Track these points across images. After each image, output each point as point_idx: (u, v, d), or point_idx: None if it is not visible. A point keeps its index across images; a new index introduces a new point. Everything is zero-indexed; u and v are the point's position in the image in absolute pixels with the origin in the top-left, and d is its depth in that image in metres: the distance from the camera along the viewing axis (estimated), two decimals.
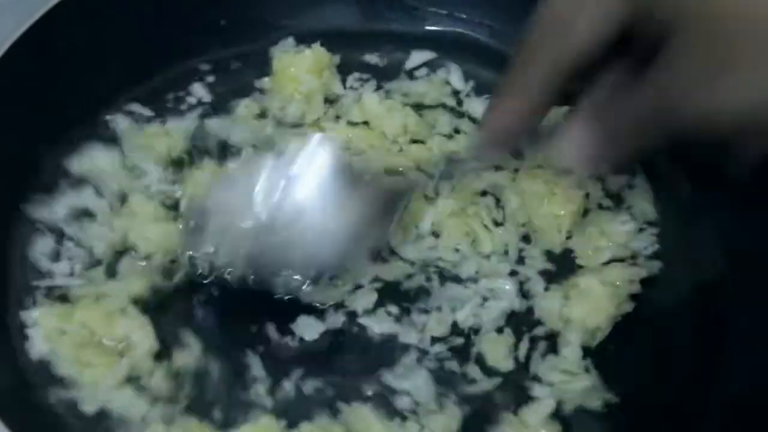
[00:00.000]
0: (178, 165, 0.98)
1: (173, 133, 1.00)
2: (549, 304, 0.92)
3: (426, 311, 0.90)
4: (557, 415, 0.85)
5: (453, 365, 0.87)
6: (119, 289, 0.88)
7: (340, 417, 0.84)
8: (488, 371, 0.87)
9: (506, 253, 0.95)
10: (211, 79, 1.06)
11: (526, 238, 0.96)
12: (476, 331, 0.90)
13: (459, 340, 0.89)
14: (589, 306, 0.90)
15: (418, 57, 1.10)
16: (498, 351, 0.89)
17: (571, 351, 0.89)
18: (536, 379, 0.87)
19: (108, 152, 0.98)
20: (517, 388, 0.87)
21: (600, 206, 0.98)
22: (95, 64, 0.99)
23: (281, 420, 0.83)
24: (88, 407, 0.82)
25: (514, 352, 0.89)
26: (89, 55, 0.98)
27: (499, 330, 0.90)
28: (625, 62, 0.72)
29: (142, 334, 0.85)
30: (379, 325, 0.89)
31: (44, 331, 0.85)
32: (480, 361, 0.88)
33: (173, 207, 0.94)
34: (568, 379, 0.87)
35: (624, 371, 0.88)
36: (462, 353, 0.88)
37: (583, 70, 0.72)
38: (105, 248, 0.91)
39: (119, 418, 0.82)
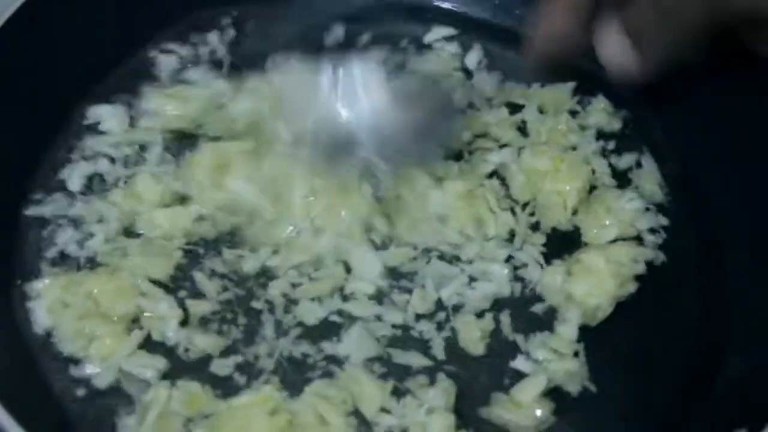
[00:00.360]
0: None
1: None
2: (551, 279, 0.91)
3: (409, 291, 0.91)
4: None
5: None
6: (136, 265, 0.88)
7: (335, 381, 0.84)
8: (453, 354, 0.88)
9: (511, 238, 0.94)
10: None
11: (534, 227, 0.96)
12: (457, 309, 0.90)
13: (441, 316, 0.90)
14: (592, 283, 0.90)
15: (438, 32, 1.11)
16: (471, 334, 0.88)
17: (567, 329, 0.88)
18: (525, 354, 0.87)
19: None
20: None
21: (606, 185, 0.98)
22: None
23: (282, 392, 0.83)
24: (100, 381, 0.83)
25: (487, 339, 0.88)
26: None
27: (480, 314, 0.89)
28: None
29: (165, 307, 0.86)
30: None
31: (47, 302, 0.85)
32: (449, 341, 0.88)
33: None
34: (554, 359, 0.87)
35: (622, 353, 0.88)
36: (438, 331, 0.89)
37: None
38: (117, 225, 0.92)
39: (123, 393, 0.82)
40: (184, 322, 0.86)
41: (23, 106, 0.93)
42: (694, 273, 0.94)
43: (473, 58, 1.09)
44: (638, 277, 0.91)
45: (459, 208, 0.94)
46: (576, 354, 0.87)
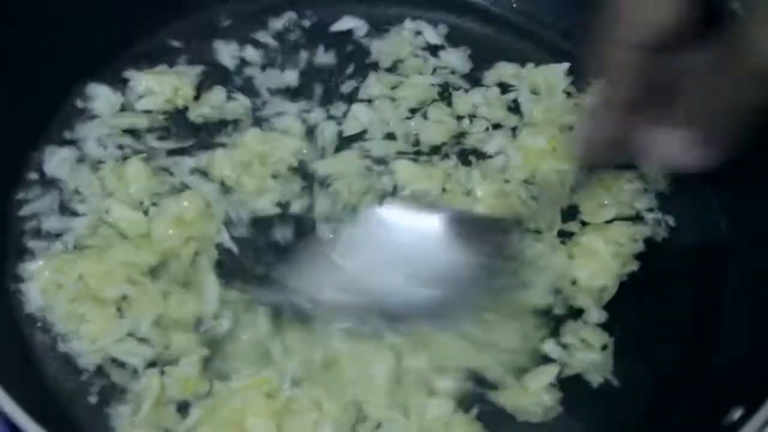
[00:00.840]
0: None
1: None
2: (554, 263, 0.91)
3: None
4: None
5: None
6: (126, 250, 0.87)
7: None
8: None
9: None
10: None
11: None
12: None
13: None
14: (595, 265, 0.90)
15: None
16: None
17: (590, 316, 0.89)
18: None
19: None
20: None
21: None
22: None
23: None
24: (86, 361, 0.82)
25: None
26: None
27: None
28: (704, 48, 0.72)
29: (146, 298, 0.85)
30: None
31: (40, 284, 0.85)
32: None
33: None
34: (582, 348, 0.87)
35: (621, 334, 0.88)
36: None
37: (666, 47, 0.71)
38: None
39: (115, 374, 0.82)
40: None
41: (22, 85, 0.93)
42: (692, 255, 0.94)
43: (436, 34, 1.08)
44: (639, 257, 0.92)
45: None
46: (605, 348, 0.87)
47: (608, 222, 0.94)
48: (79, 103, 0.98)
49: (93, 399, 0.81)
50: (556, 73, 1.03)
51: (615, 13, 0.70)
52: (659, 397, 0.85)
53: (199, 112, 0.98)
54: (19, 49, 0.92)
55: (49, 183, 0.92)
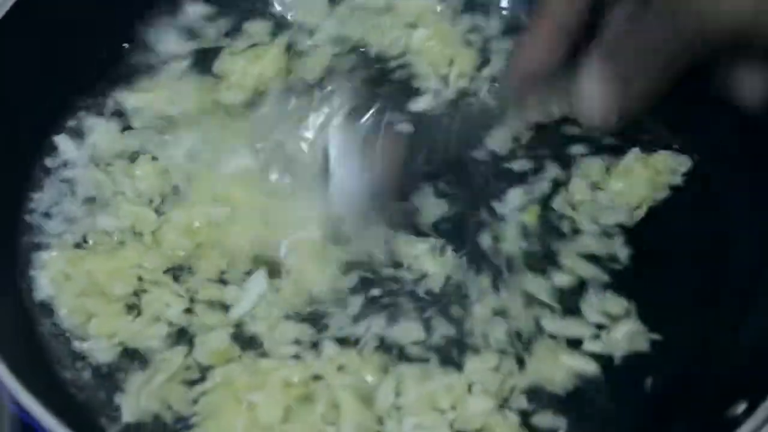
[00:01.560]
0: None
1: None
2: (587, 170, 0.93)
3: None
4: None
5: None
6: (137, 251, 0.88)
7: None
8: None
9: None
10: None
11: None
12: None
13: None
14: (627, 181, 0.92)
15: None
16: None
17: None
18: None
19: None
20: None
21: None
22: None
23: None
24: (100, 356, 0.84)
25: None
26: None
27: None
28: None
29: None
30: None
31: (50, 273, 0.87)
32: None
33: None
34: (610, 324, 0.85)
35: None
36: None
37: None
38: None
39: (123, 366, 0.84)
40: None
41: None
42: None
43: None
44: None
45: None
46: (628, 313, 0.86)
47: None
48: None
49: (99, 383, 0.83)
50: None
51: None
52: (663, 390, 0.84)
53: None
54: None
55: (62, 178, 0.93)
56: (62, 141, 0.95)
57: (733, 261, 0.89)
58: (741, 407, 0.73)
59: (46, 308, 0.86)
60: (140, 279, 0.86)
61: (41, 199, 0.92)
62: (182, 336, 0.84)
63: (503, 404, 0.81)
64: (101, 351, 0.84)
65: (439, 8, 1.04)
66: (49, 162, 0.94)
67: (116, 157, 0.94)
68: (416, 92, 0.99)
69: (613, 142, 0.94)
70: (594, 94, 0.71)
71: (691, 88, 0.74)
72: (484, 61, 1.01)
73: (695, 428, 0.79)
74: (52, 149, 0.95)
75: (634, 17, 0.72)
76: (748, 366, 0.81)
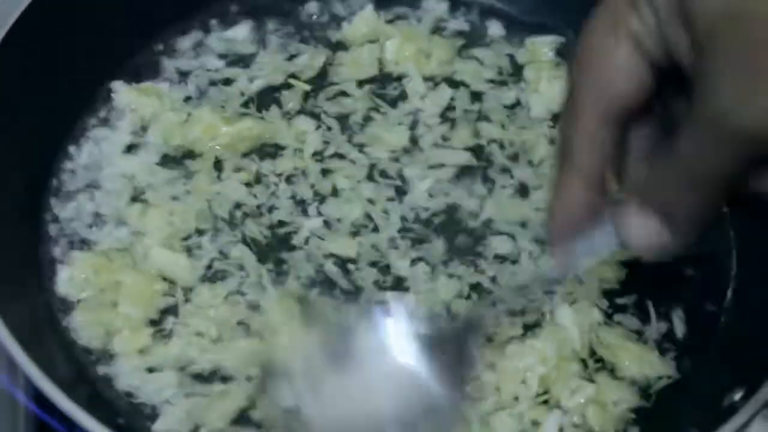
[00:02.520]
0: None
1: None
2: None
3: None
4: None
5: None
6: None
7: None
8: None
9: None
10: None
11: None
12: None
13: None
14: None
15: None
16: None
17: None
18: None
19: None
20: None
21: None
22: None
23: None
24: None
25: None
26: None
27: None
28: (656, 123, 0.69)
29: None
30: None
31: (70, 272, 0.89)
32: None
33: None
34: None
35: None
36: None
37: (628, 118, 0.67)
38: None
39: None
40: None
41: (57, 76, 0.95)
42: None
43: None
44: None
45: None
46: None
47: None
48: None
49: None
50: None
51: (578, 83, 0.67)
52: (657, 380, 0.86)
53: None
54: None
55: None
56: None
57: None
58: (738, 394, 0.76)
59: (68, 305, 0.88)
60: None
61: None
62: None
63: None
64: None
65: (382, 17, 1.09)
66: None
67: None
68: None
69: None
70: (639, 232, 0.65)
71: None
72: None
73: (693, 413, 0.81)
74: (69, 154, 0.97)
75: (659, 147, 0.68)
76: (745, 353, 0.84)
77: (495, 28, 1.09)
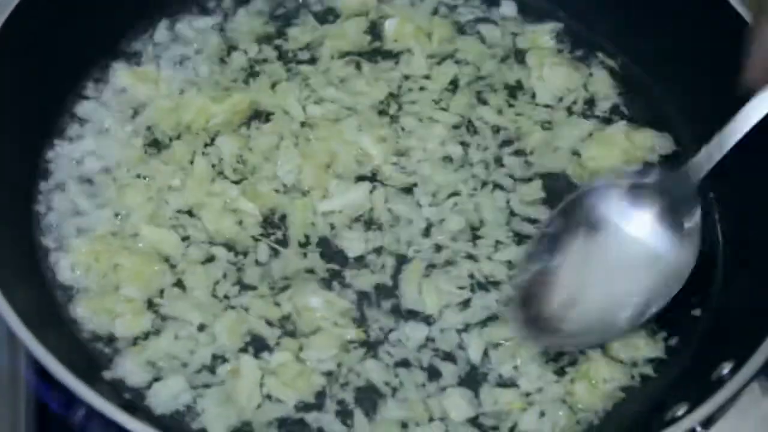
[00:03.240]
0: None
1: None
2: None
3: None
4: None
5: None
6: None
7: None
8: None
9: None
10: None
11: None
12: None
13: None
14: (601, 151, 0.99)
15: None
16: None
17: None
18: None
19: None
20: None
21: None
22: None
23: None
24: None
25: None
26: None
27: None
28: None
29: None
30: None
31: (73, 258, 0.90)
32: None
33: None
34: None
35: None
36: None
37: None
38: None
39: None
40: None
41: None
42: None
43: None
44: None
45: None
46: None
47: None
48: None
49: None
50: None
51: None
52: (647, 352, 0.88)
53: None
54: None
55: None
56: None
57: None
58: (727, 367, 0.78)
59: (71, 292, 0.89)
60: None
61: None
62: None
63: None
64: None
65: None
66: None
67: None
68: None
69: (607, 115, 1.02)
70: None
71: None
72: None
73: (682, 388, 0.83)
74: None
75: None
76: (735, 328, 0.85)
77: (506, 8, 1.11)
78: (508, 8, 1.10)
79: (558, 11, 1.10)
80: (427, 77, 1.04)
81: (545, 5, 1.10)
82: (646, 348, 0.88)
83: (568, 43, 1.08)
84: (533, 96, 1.04)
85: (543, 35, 1.08)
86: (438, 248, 0.93)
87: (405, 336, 0.88)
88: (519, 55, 1.07)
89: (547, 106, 1.03)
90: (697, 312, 0.90)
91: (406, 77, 1.04)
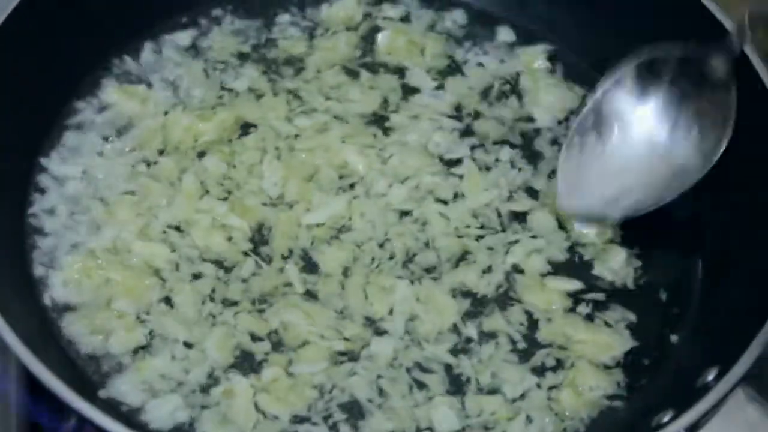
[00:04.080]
0: None
1: None
2: None
3: None
4: None
5: None
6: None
7: None
8: None
9: None
10: None
11: None
12: None
13: None
14: None
15: None
16: None
17: None
18: None
19: None
20: None
21: None
22: None
23: None
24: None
25: None
26: None
27: None
28: None
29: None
30: None
31: (65, 275, 0.90)
32: None
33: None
34: None
35: None
36: None
37: None
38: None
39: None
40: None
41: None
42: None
43: None
44: None
45: None
46: None
47: None
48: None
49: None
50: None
51: None
52: (632, 359, 0.90)
53: None
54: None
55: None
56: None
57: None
58: (712, 374, 0.79)
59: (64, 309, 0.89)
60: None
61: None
62: None
63: None
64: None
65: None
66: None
67: None
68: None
69: None
70: None
71: None
72: None
73: (667, 394, 0.84)
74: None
75: None
76: (719, 334, 0.86)
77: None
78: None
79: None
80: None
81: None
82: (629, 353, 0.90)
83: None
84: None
85: (535, 57, 1.10)
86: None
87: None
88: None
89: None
90: (681, 319, 0.92)
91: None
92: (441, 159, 1.00)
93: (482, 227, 0.96)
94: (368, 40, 1.10)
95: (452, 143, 1.01)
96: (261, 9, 1.12)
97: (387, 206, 0.97)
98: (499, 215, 0.97)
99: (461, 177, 0.99)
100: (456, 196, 0.98)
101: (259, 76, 1.06)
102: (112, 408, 0.83)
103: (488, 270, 0.93)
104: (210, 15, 1.10)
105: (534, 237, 0.96)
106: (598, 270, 0.94)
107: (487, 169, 1.00)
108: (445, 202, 0.97)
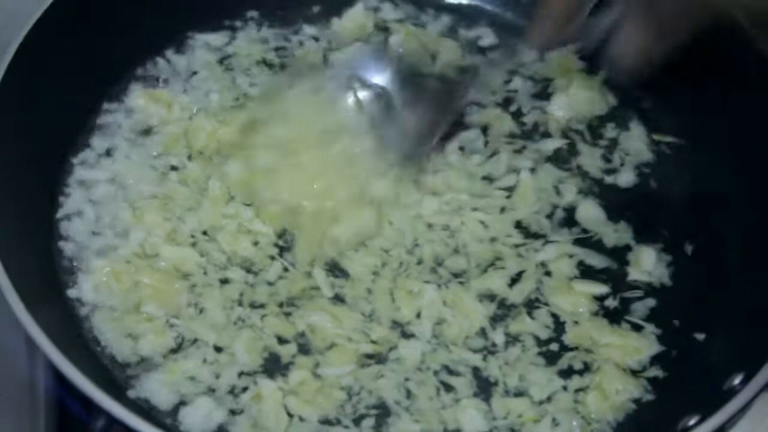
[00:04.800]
0: None
1: None
2: None
3: None
4: None
5: None
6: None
7: None
8: None
9: None
10: None
11: None
12: None
13: None
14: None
15: None
16: None
17: None
18: None
19: None
20: None
21: None
22: None
23: None
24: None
25: None
26: None
27: None
28: None
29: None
30: None
31: (95, 279, 0.91)
32: None
33: None
34: None
35: None
36: None
37: None
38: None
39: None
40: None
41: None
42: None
43: None
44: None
45: None
46: None
47: None
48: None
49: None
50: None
51: None
52: (657, 363, 0.90)
53: None
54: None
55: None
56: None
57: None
58: (738, 378, 0.79)
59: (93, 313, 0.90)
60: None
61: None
62: None
63: None
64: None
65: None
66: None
67: None
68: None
69: None
70: (631, 42, 0.83)
71: None
72: None
73: (693, 398, 0.83)
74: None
75: None
76: (745, 337, 0.86)
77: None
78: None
79: None
80: None
81: None
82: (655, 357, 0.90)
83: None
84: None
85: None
86: None
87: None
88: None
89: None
90: (707, 323, 0.91)
91: None
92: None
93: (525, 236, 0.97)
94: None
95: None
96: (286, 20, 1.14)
97: (417, 217, 0.98)
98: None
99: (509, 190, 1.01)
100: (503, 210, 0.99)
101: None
102: (142, 409, 0.84)
103: (518, 277, 0.94)
104: (244, 17, 1.13)
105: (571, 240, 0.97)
106: (633, 275, 0.95)
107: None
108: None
